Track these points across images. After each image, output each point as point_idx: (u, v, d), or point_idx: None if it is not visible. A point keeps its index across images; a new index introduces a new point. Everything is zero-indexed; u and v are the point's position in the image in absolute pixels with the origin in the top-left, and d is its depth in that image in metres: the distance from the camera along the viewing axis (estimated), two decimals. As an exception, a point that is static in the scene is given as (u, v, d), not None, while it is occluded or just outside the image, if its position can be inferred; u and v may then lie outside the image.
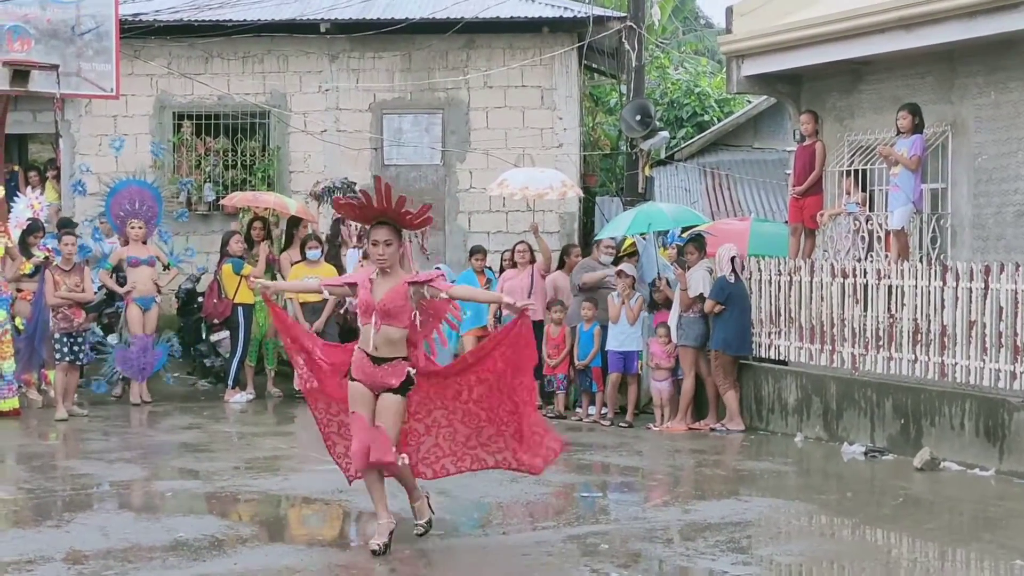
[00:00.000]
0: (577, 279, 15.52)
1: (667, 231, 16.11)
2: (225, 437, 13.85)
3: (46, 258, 14.94)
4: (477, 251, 16.69)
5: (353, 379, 8.47)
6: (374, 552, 8.20)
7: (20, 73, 15.77)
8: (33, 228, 15.41)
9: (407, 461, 8.67)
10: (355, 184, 18.06)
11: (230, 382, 16.39)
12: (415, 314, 8.45)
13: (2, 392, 14.58)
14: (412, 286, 8.38)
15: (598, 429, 14.44)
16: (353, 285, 8.60)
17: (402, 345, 8.42)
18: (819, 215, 14.53)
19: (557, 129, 19.04)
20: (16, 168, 19.42)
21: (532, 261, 16.16)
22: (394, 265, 8.36)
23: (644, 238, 15.76)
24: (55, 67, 15.84)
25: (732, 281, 14.23)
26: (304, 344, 8.99)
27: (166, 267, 16.60)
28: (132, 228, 16.29)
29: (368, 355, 8.39)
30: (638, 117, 18.60)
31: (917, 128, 13.24)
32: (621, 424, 14.57)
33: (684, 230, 15.97)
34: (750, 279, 14.47)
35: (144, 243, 16.37)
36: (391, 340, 8.38)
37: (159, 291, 16.24)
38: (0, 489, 10.60)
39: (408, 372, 8.41)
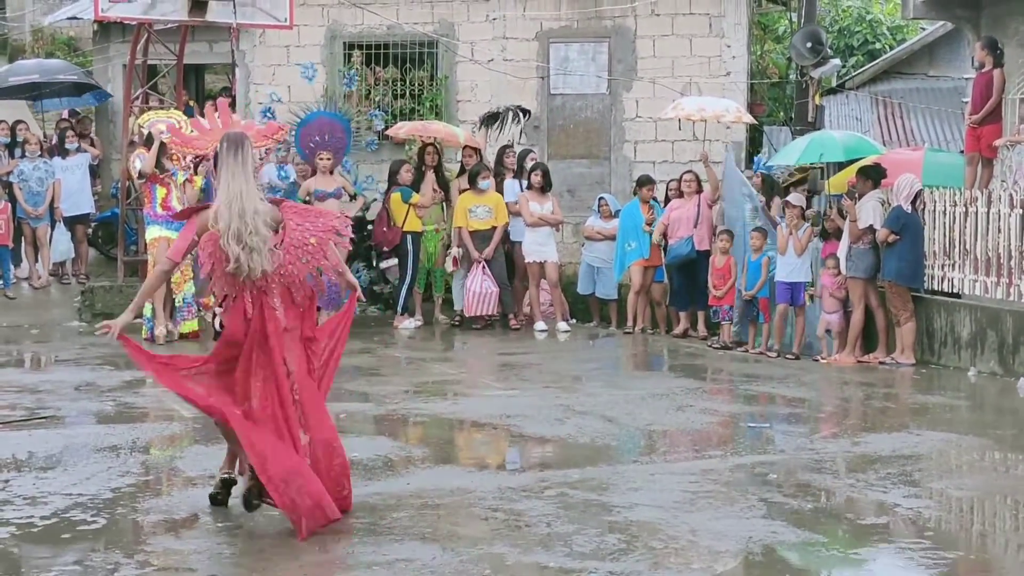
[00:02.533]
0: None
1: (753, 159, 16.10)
2: (395, 362, 14.06)
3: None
4: (645, 182, 16.65)
5: None
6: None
7: (198, 4, 16.05)
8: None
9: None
10: (527, 110, 18.04)
11: (399, 308, 16.59)
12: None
13: (183, 314, 14.99)
14: None
15: (764, 360, 14.33)
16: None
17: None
18: (998, 144, 14.14)
19: (725, 57, 18.75)
20: (192, 103, 19.80)
21: (699, 191, 16.09)
22: None
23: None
24: (232, -3, 16.07)
25: (909, 211, 13.95)
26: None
27: (352, 197, 16.80)
28: (321, 160, 16.50)
29: None
30: (808, 44, 18.28)
31: None
32: (788, 355, 14.43)
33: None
34: (923, 209, 14.15)
35: (331, 173, 16.57)
36: None
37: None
38: (182, 407, 10.89)
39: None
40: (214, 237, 7.10)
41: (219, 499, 7.60)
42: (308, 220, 7.30)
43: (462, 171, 17.12)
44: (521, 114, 17.89)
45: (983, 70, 14.41)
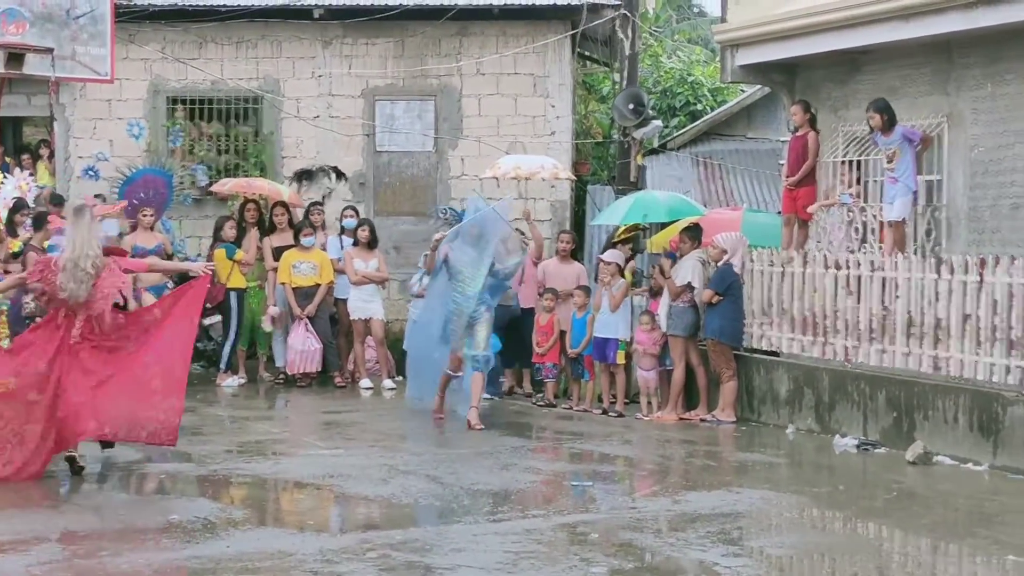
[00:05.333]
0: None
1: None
2: (217, 421, 13.82)
3: (29, 238, 14.84)
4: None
5: None
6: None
7: (15, 56, 15.70)
8: (18, 206, 15.28)
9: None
10: (342, 173, 18.03)
11: (222, 366, 16.36)
12: None
13: (0, 373, 14.52)
14: None
15: (588, 418, 14.42)
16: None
17: None
18: (812, 209, 14.50)
19: (549, 117, 18.94)
20: (8, 159, 19.31)
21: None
22: None
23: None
24: (50, 50, 15.76)
25: (738, 271, 14.20)
26: None
27: (169, 256, 16.56)
28: (144, 216, 16.31)
29: None
30: (631, 106, 18.52)
31: (889, 123, 13.17)
32: (611, 413, 14.53)
33: None
34: (743, 269, 14.42)
35: (151, 230, 16.35)
36: None
37: (170, 279, 16.09)
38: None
39: None
40: (51, 267, 10.26)
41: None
42: (113, 276, 10.29)
43: (272, 228, 16.96)
44: (335, 175, 17.92)
45: (798, 133, 14.77)
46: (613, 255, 15.09)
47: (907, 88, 13.91)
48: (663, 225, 16.51)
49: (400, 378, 16.74)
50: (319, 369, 16.34)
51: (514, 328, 15.79)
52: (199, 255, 17.48)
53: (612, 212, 16.61)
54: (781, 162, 16.57)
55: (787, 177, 14.92)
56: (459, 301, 13.63)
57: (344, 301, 16.63)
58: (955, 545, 8.82)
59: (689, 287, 14.28)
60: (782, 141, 18.06)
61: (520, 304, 15.83)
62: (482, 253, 13.69)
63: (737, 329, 14.30)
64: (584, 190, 20.55)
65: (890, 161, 13.16)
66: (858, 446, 12.37)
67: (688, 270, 14.33)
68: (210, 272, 11.12)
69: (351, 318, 16.49)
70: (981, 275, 11.66)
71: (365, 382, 16.28)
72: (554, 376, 15.28)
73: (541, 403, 15.12)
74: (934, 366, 12.15)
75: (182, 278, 16.60)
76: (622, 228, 16.33)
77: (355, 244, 16.60)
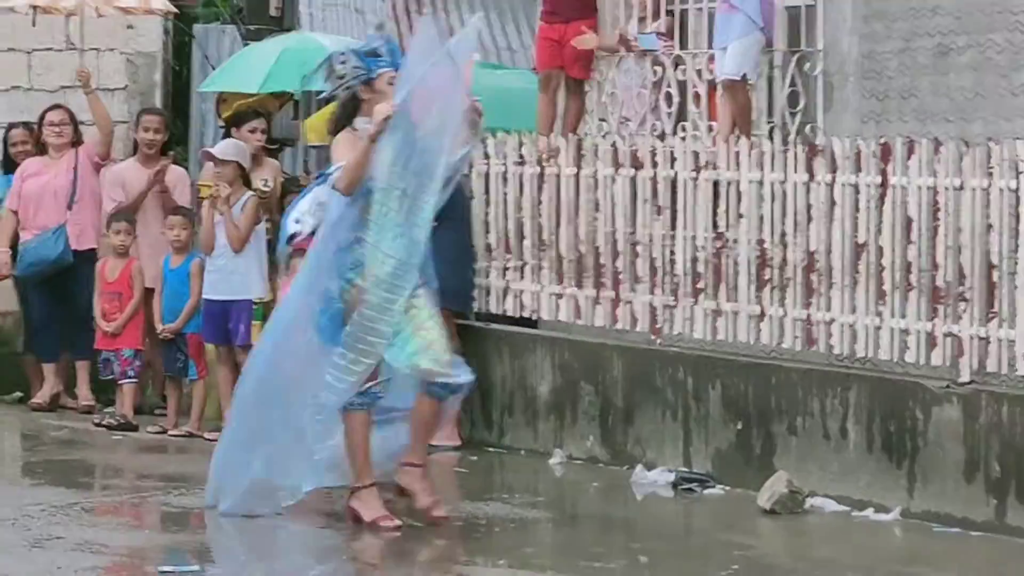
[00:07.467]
0: None
1: None
2: None
3: None
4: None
5: None
6: None
7: None
8: None
9: None
10: None
11: None
12: None
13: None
14: None
15: (197, 447, 14.26)
16: None
17: None
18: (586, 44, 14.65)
19: None
20: None
21: (76, 142, 15.99)
22: None
23: None
24: None
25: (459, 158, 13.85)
26: None
27: None
28: None
29: None
30: None
31: None
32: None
33: None
34: (469, 173, 14.40)
35: None
36: None
37: None
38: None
39: None
40: None
41: None
42: None
43: None
44: None
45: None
46: (232, 148, 14.89)
47: None
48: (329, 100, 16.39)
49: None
50: None
51: (59, 287, 15.76)
52: None
53: (238, 73, 16.99)
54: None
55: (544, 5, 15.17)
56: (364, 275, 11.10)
57: None
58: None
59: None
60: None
61: (71, 244, 15.74)
62: (439, 141, 11.37)
63: (463, 281, 14.39)
64: (188, 34, 20.66)
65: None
66: (675, 484, 12.61)
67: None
68: None
69: None
70: (884, 174, 11.72)
71: None
72: (135, 373, 15.13)
73: (112, 422, 14.97)
74: (807, 337, 12.26)
75: None
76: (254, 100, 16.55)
77: None
